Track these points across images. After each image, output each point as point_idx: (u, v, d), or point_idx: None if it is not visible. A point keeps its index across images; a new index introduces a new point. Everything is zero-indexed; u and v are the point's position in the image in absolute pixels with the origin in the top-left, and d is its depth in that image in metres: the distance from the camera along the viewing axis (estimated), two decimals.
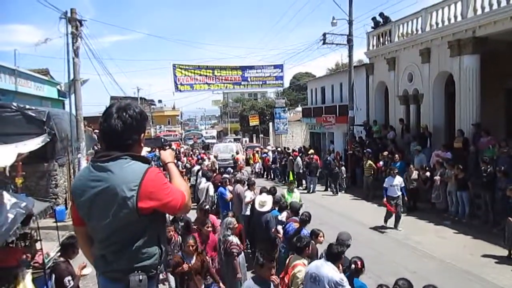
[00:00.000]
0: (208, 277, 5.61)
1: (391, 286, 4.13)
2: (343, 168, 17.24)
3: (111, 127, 2.09)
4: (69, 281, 4.73)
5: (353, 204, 14.81)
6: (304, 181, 18.39)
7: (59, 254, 5.31)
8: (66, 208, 11.14)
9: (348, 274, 4.55)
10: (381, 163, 14.97)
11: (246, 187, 9.74)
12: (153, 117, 54.01)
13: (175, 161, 2.60)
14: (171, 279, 5.74)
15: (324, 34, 18.96)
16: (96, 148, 15.35)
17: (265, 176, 23.33)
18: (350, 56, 19.20)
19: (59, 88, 16.34)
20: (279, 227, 7.32)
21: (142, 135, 2.25)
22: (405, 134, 15.94)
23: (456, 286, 7.25)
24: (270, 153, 24.27)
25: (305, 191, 16.99)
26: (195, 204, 9.32)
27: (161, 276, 5.40)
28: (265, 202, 7.66)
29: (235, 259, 6.08)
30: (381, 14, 18.42)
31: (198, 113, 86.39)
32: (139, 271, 2.05)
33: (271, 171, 22.89)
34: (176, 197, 2.09)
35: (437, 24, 14.27)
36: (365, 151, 16.35)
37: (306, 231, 6.23)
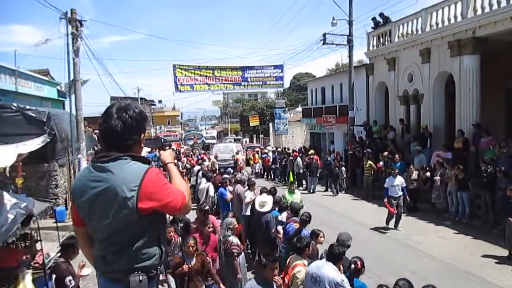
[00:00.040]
0: (209, 278, 5.61)
1: (392, 286, 4.13)
2: (343, 168, 17.25)
3: (111, 127, 2.09)
4: (70, 281, 4.74)
5: (353, 205, 14.81)
6: (304, 182, 18.39)
7: (59, 254, 5.31)
8: (66, 209, 11.14)
9: (348, 274, 4.55)
10: (381, 163, 14.97)
11: (246, 187, 9.74)
12: (153, 117, 54.02)
13: (175, 161, 2.59)
14: (171, 280, 5.74)
15: (324, 35, 18.96)
16: (96, 148, 15.36)
17: (265, 177, 23.33)
18: (350, 56, 19.20)
19: (59, 89, 16.34)
20: (279, 228, 7.32)
21: (142, 135, 2.25)
22: (405, 134, 15.94)
23: (456, 286, 7.25)
24: (270, 154, 24.27)
25: (306, 192, 16.99)
26: (195, 204, 9.32)
27: (161, 277, 5.40)
28: (265, 203, 7.66)
29: (235, 259, 6.08)
30: (381, 15, 18.43)
31: (198, 114, 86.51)
32: (139, 272, 2.05)
33: (271, 171, 22.89)
34: (176, 197, 2.09)
35: (437, 24, 14.27)
36: (365, 151, 16.35)
37: (306, 231, 6.22)
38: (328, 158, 17.66)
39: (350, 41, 18.62)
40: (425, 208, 12.75)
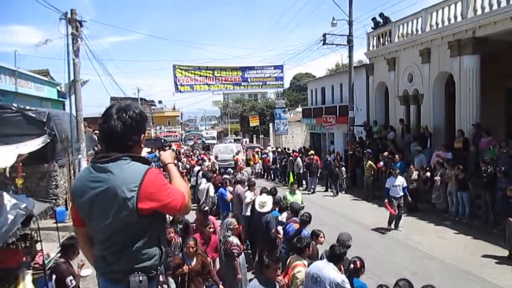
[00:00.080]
0: (209, 278, 5.60)
1: (392, 287, 4.13)
2: (343, 168, 17.24)
3: (111, 128, 2.09)
4: (70, 281, 4.75)
5: (353, 205, 14.80)
6: (304, 182, 18.39)
7: (59, 255, 5.32)
8: (67, 209, 11.14)
9: (347, 274, 4.55)
10: (381, 163, 14.97)
11: (247, 187, 9.74)
12: (153, 117, 54.01)
13: (175, 161, 2.59)
14: (172, 282, 5.73)
15: (324, 35, 18.96)
16: (96, 149, 15.35)
17: (265, 177, 23.33)
18: (350, 56, 19.20)
19: (59, 89, 16.33)
20: (279, 228, 7.32)
21: (142, 136, 2.25)
22: (405, 135, 15.94)
23: (457, 286, 7.25)
24: (270, 154, 24.27)
25: (306, 192, 16.99)
26: (195, 205, 9.32)
27: (161, 279, 5.39)
28: (265, 203, 7.66)
29: (235, 259, 6.08)
30: (381, 15, 18.44)
31: (198, 114, 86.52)
32: (139, 272, 2.05)
33: (271, 171, 22.89)
34: (176, 198, 2.09)
35: (437, 24, 14.27)
36: (365, 151, 16.35)
37: (306, 231, 6.22)
38: (328, 158, 17.65)
39: (350, 41, 18.62)
40: (425, 208, 12.74)
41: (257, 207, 7.73)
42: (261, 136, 44.93)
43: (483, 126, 12.53)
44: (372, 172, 15.18)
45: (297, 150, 22.56)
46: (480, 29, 12.32)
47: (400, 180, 10.95)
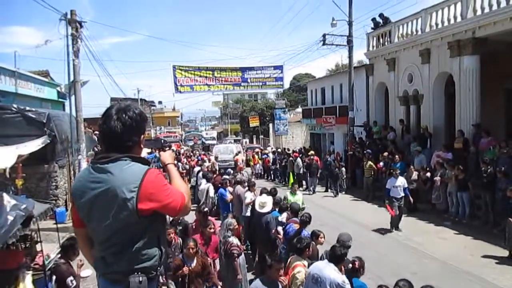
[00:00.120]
0: (209, 280, 5.59)
1: (392, 287, 4.12)
2: (343, 169, 17.24)
3: (111, 128, 2.09)
4: (71, 281, 4.75)
5: (353, 205, 14.80)
6: (304, 182, 18.39)
7: (59, 255, 5.32)
8: (67, 210, 11.13)
9: (346, 274, 4.55)
10: (381, 164, 14.96)
11: (246, 188, 9.74)
12: (153, 118, 54.00)
13: (175, 162, 2.59)
14: (171, 284, 5.72)
15: (324, 35, 18.96)
16: (96, 149, 15.35)
17: (265, 177, 23.33)
18: (350, 57, 19.20)
19: (59, 90, 16.32)
20: (279, 228, 7.32)
21: (142, 136, 2.25)
22: (405, 135, 15.94)
23: (457, 287, 7.25)
24: (270, 154, 24.27)
25: (306, 192, 16.98)
26: (195, 205, 9.32)
27: (161, 280, 5.37)
28: (265, 203, 7.66)
29: (235, 260, 6.08)
30: (381, 15, 18.45)
31: (198, 114, 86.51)
32: (139, 273, 2.05)
33: (271, 172, 22.89)
34: (176, 198, 2.09)
35: (436, 24, 14.28)
36: (365, 152, 16.35)
37: (306, 232, 6.23)
38: (328, 159, 17.65)
39: (350, 42, 18.63)
40: (425, 209, 12.74)
41: (257, 207, 7.73)
42: (261, 136, 44.93)
43: (483, 126, 12.53)
44: (372, 173, 15.18)
45: (297, 150, 22.54)
46: (479, 29, 12.33)
47: (401, 181, 10.92)
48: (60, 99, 17.60)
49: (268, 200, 7.77)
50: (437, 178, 12.10)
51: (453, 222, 11.36)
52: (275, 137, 37.39)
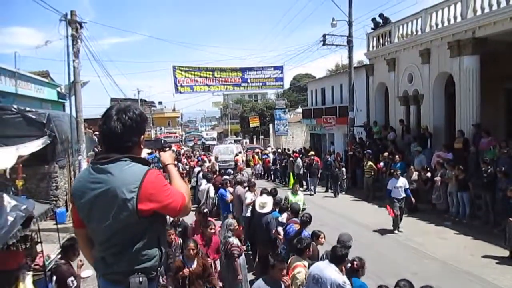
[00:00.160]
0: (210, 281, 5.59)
1: (392, 287, 4.12)
2: (343, 169, 17.24)
3: (111, 129, 2.09)
4: (72, 281, 4.75)
5: (353, 205, 14.80)
6: (304, 183, 18.39)
7: (59, 256, 5.32)
8: (67, 210, 11.14)
9: (347, 275, 4.55)
10: (381, 164, 14.97)
11: (247, 188, 9.75)
12: (153, 118, 53.97)
13: (175, 162, 2.59)
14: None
15: (324, 35, 18.95)
16: (96, 150, 15.36)
17: (265, 178, 23.33)
18: (350, 57, 19.21)
19: (59, 90, 16.32)
20: (280, 229, 7.32)
21: (142, 137, 2.24)
22: (405, 135, 15.94)
23: (457, 287, 7.25)
24: (270, 155, 24.27)
25: (306, 193, 16.96)
26: (195, 206, 9.32)
27: (161, 281, 5.38)
28: (265, 204, 7.66)
29: (235, 260, 6.08)
30: (381, 15, 18.46)
31: (198, 115, 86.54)
32: (139, 273, 2.05)
33: (272, 172, 22.89)
34: (176, 199, 2.09)
35: (436, 25, 14.28)
36: (365, 152, 16.35)
37: (306, 232, 6.22)
38: (329, 159, 17.66)
39: (350, 42, 18.63)
40: (425, 209, 12.74)
41: (257, 208, 7.73)
42: (261, 137, 44.94)
43: (483, 127, 12.53)
44: (372, 173, 15.18)
45: (297, 150, 22.54)
46: (479, 29, 12.33)
47: (402, 182, 10.89)
48: (60, 100, 17.59)
49: (268, 201, 7.77)
50: (438, 178, 12.10)
51: (453, 222, 11.36)
52: (275, 138, 37.39)
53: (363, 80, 19.84)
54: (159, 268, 2.18)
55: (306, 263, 5.03)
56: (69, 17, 12.47)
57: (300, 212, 7.63)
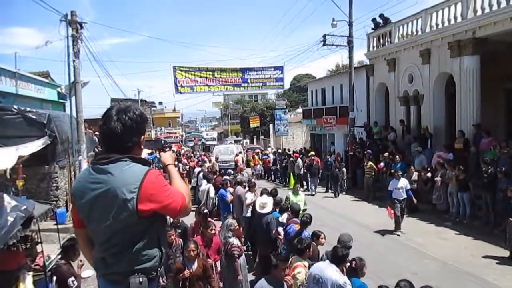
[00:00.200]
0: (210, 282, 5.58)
1: (392, 287, 4.12)
2: (343, 169, 17.23)
3: (111, 129, 2.09)
4: (72, 281, 4.76)
5: (354, 206, 14.80)
6: (304, 183, 18.39)
7: (60, 256, 5.32)
8: (67, 211, 11.14)
9: (347, 275, 4.55)
10: (381, 164, 14.97)
11: (247, 188, 9.74)
12: (154, 119, 53.99)
13: (176, 163, 2.59)
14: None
15: (324, 36, 18.95)
16: (96, 150, 15.36)
17: (265, 178, 23.32)
18: (350, 57, 19.20)
19: (60, 91, 16.32)
20: (280, 229, 7.31)
21: (142, 137, 2.24)
22: (405, 135, 15.95)
23: (457, 287, 7.24)
24: (270, 155, 24.26)
25: (306, 193, 16.97)
26: (196, 206, 9.32)
27: (161, 282, 5.37)
28: (265, 204, 7.66)
29: (236, 261, 6.08)
30: (381, 15, 18.46)
31: (198, 115, 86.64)
32: (139, 273, 2.05)
33: (272, 172, 22.88)
34: (176, 199, 2.09)
35: (437, 25, 14.28)
36: (365, 152, 16.34)
37: (307, 232, 6.22)
38: (329, 159, 17.66)
39: (350, 42, 18.63)
40: (425, 209, 12.73)
41: (257, 208, 7.73)
42: (262, 137, 44.92)
43: (483, 127, 12.53)
44: (373, 173, 15.18)
45: (298, 151, 22.55)
46: (480, 29, 12.33)
47: (403, 182, 10.85)
48: (60, 100, 17.60)
49: (268, 201, 7.78)
50: (438, 179, 12.09)
51: (453, 222, 11.35)
52: (276, 138, 37.37)
53: (363, 80, 19.84)
54: (159, 269, 2.18)
55: (306, 264, 5.03)
56: (69, 17, 12.47)
57: (301, 212, 7.63)
